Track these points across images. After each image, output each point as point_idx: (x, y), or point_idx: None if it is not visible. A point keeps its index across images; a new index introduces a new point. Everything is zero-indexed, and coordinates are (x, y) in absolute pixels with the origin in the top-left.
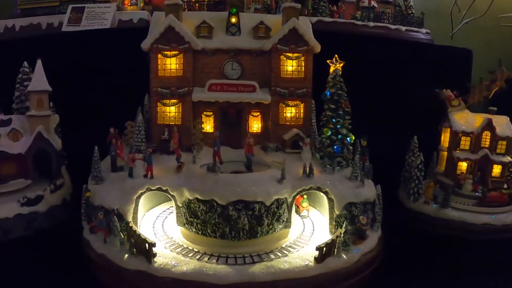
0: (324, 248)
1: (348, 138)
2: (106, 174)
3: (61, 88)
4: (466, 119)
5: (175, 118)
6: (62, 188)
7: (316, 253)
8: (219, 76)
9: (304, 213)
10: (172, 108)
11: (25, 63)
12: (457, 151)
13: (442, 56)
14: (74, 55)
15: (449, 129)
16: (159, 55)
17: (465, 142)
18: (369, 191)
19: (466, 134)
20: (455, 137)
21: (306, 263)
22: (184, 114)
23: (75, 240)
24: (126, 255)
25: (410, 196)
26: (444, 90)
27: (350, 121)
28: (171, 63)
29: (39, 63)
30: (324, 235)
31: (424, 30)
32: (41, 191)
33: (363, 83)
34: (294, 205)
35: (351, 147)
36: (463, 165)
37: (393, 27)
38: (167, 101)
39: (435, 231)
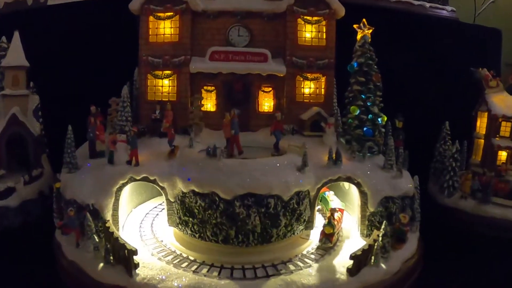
0: (361, 257)
1: (379, 119)
2: (84, 161)
3: (46, 67)
4: (506, 102)
5: (168, 93)
6: (40, 180)
7: (349, 262)
8: (223, 44)
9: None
10: (166, 81)
11: (3, 38)
12: (497, 139)
13: (468, 35)
14: (60, 30)
15: (486, 114)
16: (151, 17)
17: (505, 128)
18: (408, 183)
19: (507, 119)
20: (494, 122)
21: (337, 276)
22: (180, 88)
23: (49, 242)
24: (101, 264)
25: (444, 190)
26: (480, 69)
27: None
28: (164, 27)
29: (16, 35)
30: (353, 238)
31: (449, 8)
32: (12, 182)
33: (382, 60)
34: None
35: (383, 130)
36: (504, 154)
37: (416, 2)
38: (159, 73)
39: (474, 230)
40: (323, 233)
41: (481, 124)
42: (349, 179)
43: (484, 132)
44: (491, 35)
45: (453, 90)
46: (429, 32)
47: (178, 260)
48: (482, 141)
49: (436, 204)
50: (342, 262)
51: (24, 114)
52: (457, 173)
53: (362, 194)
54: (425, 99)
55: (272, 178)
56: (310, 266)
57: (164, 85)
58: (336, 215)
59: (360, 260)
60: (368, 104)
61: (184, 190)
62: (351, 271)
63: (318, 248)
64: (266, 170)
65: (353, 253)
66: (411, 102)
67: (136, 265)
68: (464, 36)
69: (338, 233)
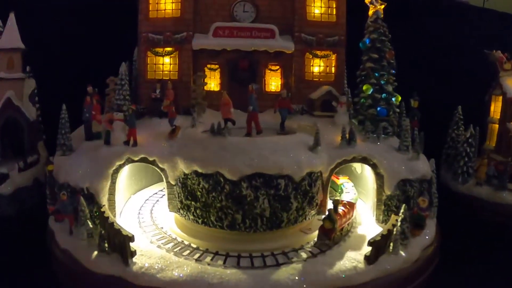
0: (380, 243)
1: (393, 98)
2: (79, 143)
3: (42, 50)
4: None
5: (169, 71)
6: (35, 167)
7: (366, 250)
8: (227, 20)
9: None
10: (166, 59)
11: None
12: None
13: (479, 18)
14: (56, 10)
15: (501, 97)
16: None
17: None
18: (425, 166)
19: None
20: (510, 106)
21: (354, 264)
22: (181, 66)
23: (43, 231)
24: (95, 253)
25: (458, 176)
26: (494, 51)
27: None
28: (166, 2)
29: (11, 17)
30: (368, 223)
31: None
32: (5, 169)
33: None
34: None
35: (397, 110)
36: None
37: None
38: (160, 50)
39: (490, 217)
40: (321, 228)
41: (495, 108)
42: (364, 160)
43: (498, 117)
44: (503, 19)
45: (463, 74)
46: (440, 14)
47: (179, 248)
48: (497, 126)
49: (450, 191)
50: (358, 249)
51: (19, 98)
52: (471, 159)
53: (378, 176)
54: (433, 83)
55: (283, 157)
56: (324, 254)
57: (165, 63)
58: (341, 209)
59: (379, 246)
60: (382, 82)
61: (186, 171)
62: (369, 259)
63: (315, 245)
64: (276, 148)
65: (371, 238)
66: (420, 86)
67: (133, 253)
68: (475, 19)
69: (343, 230)
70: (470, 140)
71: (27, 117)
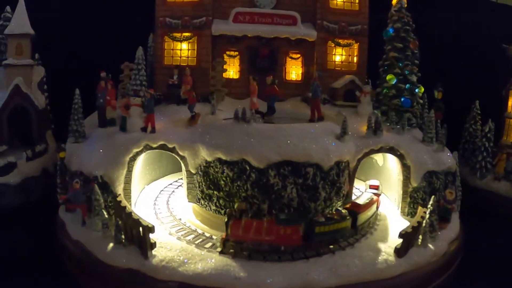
0: (410, 235)
1: (416, 89)
2: (92, 130)
3: (52, 36)
4: None
5: (187, 57)
6: (44, 156)
7: (394, 242)
8: (247, 5)
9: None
10: (184, 45)
11: (8, 8)
12: None
13: (493, 13)
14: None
15: None
16: None
17: None
18: (450, 158)
19: None
20: None
21: (384, 257)
22: (200, 52)
23: (51, 222)
24: (111, 245)
25: (476, 171)
26: None
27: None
28: None
29: (21, 2)
30: (391, 217)
31: None
32: (13, 158)
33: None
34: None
35: (421, 101)
36: None
37: None
38: (177, 35)
39: (508, 213)
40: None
41: None
42: (391, 150)
43: None
44: None
45: (480, 69)
46: (458, 8)
47: (201, 240)
48: None
49: (467, 186)
50: (385, 241)
51: (28, 85)
52: (490, 154)
53: (405, 167)
54: (450, 77)
55: (311, 145)
56: (352, 246)
57: (183, 49)
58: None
59: (409, 239)
60: (406, 72)
61: (208, 159)
62: (399, 252)
63: None
64: (304, 136)
65: (402, 230)
66: (435, 78)
67: (153, 245)
68: (489, 14)
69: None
70: (488, 135)
71: (36, 105)
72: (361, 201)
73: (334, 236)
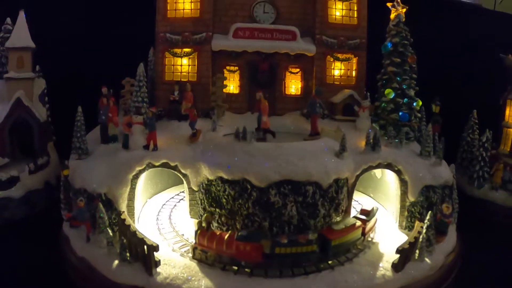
0: (407, 250)
1: (414, 103)
2: (95, 147)
3: (53, 49)
4: None
5: (188, 73)
6: (46, 169)
7: (392, 257)
8: (247, 21)
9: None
10: (185, 60)
11: (8, 20)
12: None
13: (492, 22)
14: (68, 10)
15: None
16: None
17: None
18: (448, 171)
19: None
20: None
21: (382, 272)
22: (200, 68)
23: (55, 236)
24: (116, 262)
25: (473, 181)
26: (510, 55)
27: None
28: (184, 1)
29: (21, 15)
30: (389, 230)
31: None
32: (16, 171)
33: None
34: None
35: (419, 115)
36: None
37: None
38: (178, 51)
39: (506, 222)
40: None
41: (510, 112)
42: (389, 166)
43: None
44: None
45: (477, 78)
46: (453, 16)
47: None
48: (511, 130)
49: (465, 195)
50: (383, 256)
51: (29, 98)
52: (487, 163)
53: (402, 182)
54: (448, 87)
55: (311, 164)
56: (351, 261)
57: (183, 64)
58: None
59: (406, 254)
60: (404, 87)
61: (210, 177)
62: (396, 267)
63: None
64: (303, 154)
65: (400, 246)
66: (432, 90)
67: (157, 263)
68: (487, 22)
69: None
70: (486, 144)
71: (37, 117)
72: (338, 226)
73: (297, 259)
